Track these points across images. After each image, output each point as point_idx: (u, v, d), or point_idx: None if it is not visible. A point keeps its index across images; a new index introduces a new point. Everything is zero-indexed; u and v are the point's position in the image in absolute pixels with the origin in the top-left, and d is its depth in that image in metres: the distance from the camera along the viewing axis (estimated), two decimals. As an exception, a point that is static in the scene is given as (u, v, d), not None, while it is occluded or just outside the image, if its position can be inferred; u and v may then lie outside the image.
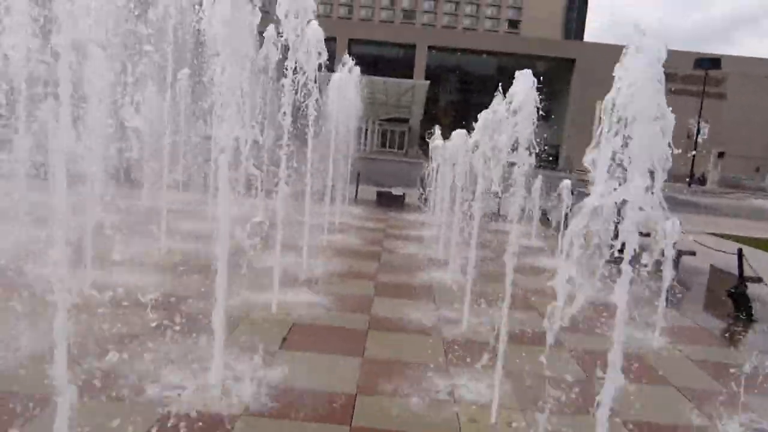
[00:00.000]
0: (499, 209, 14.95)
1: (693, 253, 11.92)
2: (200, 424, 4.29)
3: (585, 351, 6.68)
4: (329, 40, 8.30)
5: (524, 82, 4.90)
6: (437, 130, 14.57)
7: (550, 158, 62.38)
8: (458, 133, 10.03)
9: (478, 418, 4.93)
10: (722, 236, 17.78)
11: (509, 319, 5.01)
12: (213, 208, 11.46)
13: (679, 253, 10.77)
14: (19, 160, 9.33)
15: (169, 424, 4.24)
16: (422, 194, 17.53)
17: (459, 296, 7.88)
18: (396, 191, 20.19)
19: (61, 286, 3.06)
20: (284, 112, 7.35)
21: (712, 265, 10.72)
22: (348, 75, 13.89)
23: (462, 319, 7.40)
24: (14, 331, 5.02)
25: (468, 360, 6.00)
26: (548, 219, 16.01)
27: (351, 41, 68.10)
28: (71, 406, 3.29)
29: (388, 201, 19.53)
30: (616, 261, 3.34)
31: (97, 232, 8.08)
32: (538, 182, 14.08)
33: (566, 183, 13.33)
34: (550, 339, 3.38)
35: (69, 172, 3.18)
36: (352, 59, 14.87)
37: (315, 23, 7.48)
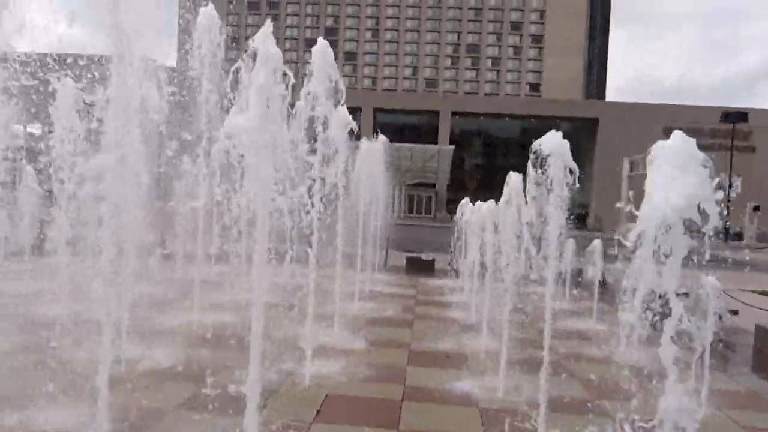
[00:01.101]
0: (530, 271, 14.76)
1: (736, 312, 11.53)
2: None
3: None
4: (355, 110, 8.58)
5: (554, 142, 4.94)
6: (467, 200, 14.76)
7: (579, 218, 61.92)
8: (487, 205, 10.09)
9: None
10: (765, 294, 17.20)
11: (547, 385, 4.86)
12: (246, 278, 11.56)
13: (722, 313, 10.42)
14: (59, 233, 9.63)
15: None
16: (452, 259, 17.46)
17: (494, 363, 7.70)
18: (425, 257, 20.13)
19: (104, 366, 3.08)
20: (314, 180, 7.51)
21: (758, 325, 10.33)
22: (375, 144, 14.19)
23: (498, 386, 7.20)
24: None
25: (506, 430, 5.80)
26: (581, 280, 15.73)
27: (376, 110, 69.86)
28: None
29: (417, 266, 19.45)
30: (654, 324, 3.25)
31: (133, 304, 8.20)
32: (569, 243, 13.94)
33: (597, 243, 13.16)
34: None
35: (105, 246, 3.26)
36: (378, 130, 15.30)
37: (343, 109, 7.75)
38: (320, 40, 7.75)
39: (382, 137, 15.50)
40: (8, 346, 7.37)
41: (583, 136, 71.11)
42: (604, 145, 69.80)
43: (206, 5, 10.84)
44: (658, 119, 63.55)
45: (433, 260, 19.91)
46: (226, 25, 11.68)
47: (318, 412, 6.29)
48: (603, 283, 13.56)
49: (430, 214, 69.12)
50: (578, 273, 15.80)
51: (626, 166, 54.43)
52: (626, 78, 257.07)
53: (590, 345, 10.26)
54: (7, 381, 5.48)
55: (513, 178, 6.93)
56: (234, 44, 11.42)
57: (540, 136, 5.21)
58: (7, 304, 8.74)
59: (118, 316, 7.24)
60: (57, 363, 7.13)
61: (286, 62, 5.93)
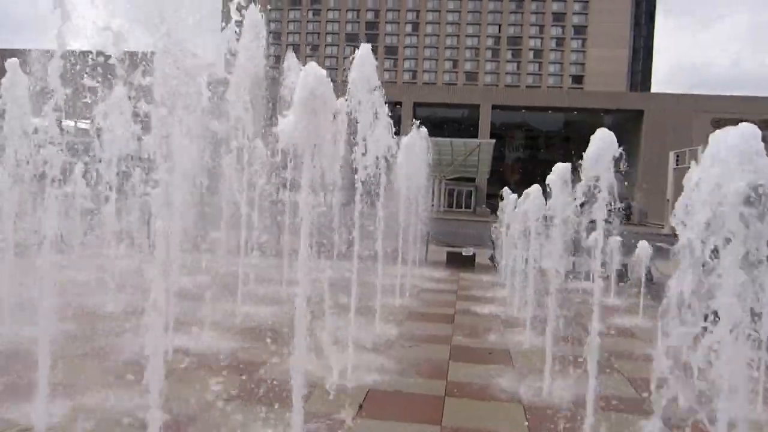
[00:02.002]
0: (574, 267, 14.51)
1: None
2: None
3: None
4: (395, 104, 8.60)
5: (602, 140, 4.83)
6: (507, 190, 14.53)
7: (623, 212, 60.53)
8: (533, 191, 9.80)
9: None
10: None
11: (592, 383, 4.77)
12: (287, 271, 11.69)
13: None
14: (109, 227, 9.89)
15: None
16: (494, 254, 17.28)
17: (538, 360, 7.59)
18: (466, 251, 19.98)
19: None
20: (357, 178, 7.57)
21: None
22: (415, 138, 14.14)
23: (543, 384, 7.10)
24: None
25: (551, 427, 5.71)
26: (627, 276, 15.38)
27: (416, 104, 69.58)
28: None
29: (458, 261, 19.33)
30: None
31: (180, 297, 8.38)
32: (614, 238, 13.63)
33: (643, 244, 12.86)
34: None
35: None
36: (419, 122, 15.20)
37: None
38: (363, 46, 7.87)
39: (422, 130, 15.42)
40: (62, 335, 7.62)
41: (627, 128, 69.41)
42: (649, 138, 67.94)
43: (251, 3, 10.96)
44: (707, 110, 61.61)
45: (474, 255, 19.76)
46: (268, 21, 11.79)
47: (360, 407, 6.31)
48: (650, 280, 13.24)
49: (470, 208, 68.57)
50: (624, 269, 15.46)
51: (672, 158, 52.92)
52: (673, 68, 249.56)
53: (636, 342, 10.03)
54: (61, 369, 5.66)
55: (560, 168, 6.81)
56: (275, 39, 11.51)
57: (583, 129, 5.10)
58: (64, 294, 9.03)
59: (169, 307, 7.41)
60: (107, 352, 7.35)
61: (327, 57, 5.96)
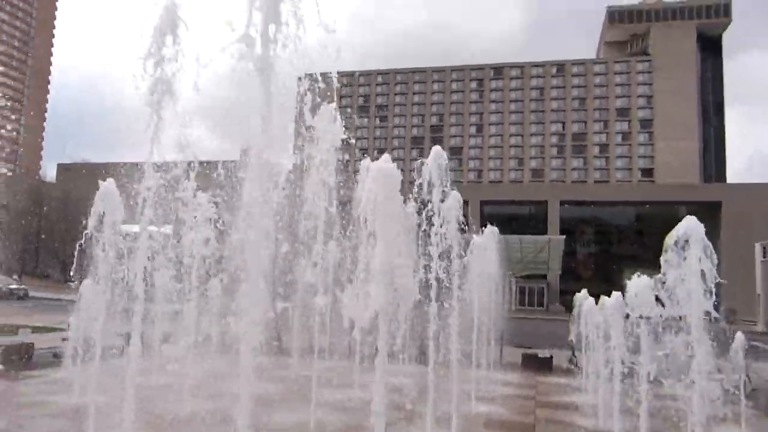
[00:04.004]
0: (662, 371, 13.56)
1: None
2: None
3: None
4: (463, 203, 8.68)
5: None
6: (584, 293, 14.12)
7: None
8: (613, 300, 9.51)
9: None
10: None
11: None
12: (360, 375, 11.46)
13: None
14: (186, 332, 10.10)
15: None
16: (573, 356, 16.49)
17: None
18: (542, 353, 19.14)
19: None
20: (430, 279, 7.51)
21: None
22: (487, 237, 14.06)
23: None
24: None
25: None
26: (723, 379, 14.21)
27: (483, 202, 69.86)
28: None
29: (534, 364, 18.48)
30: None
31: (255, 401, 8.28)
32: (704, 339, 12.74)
33: (740, 337, 11.93)
34: None
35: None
36: (487, 221, 15.18)
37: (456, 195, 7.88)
38: (435, 149, 8.12)
39: (492, 229, 15.33)
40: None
41: (704, 221, 66.67)
42: (730, 230, 65.03)
43: (327, 103, 11.48)
44: (791, 199, 58.91)
45: (551, 357, 18.87)
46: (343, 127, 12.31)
47: None
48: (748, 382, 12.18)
49: (543, 306, 66.51)
50: (718, 371, 14.31)
51: (759, 250, 50.22)
52: (748, 158, 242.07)
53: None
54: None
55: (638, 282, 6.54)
56: (346, 145, 11.96)
57: (657, 222, 4.91)
58: (139, 398, 9.12)
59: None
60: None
61: (394, 159, 6.13)
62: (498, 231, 16.36)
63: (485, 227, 15.12)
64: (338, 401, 11.30)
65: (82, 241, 8.54)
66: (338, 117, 11.27)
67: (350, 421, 9.16)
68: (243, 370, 5.23)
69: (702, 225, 4.78)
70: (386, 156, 5.05)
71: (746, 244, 53.27)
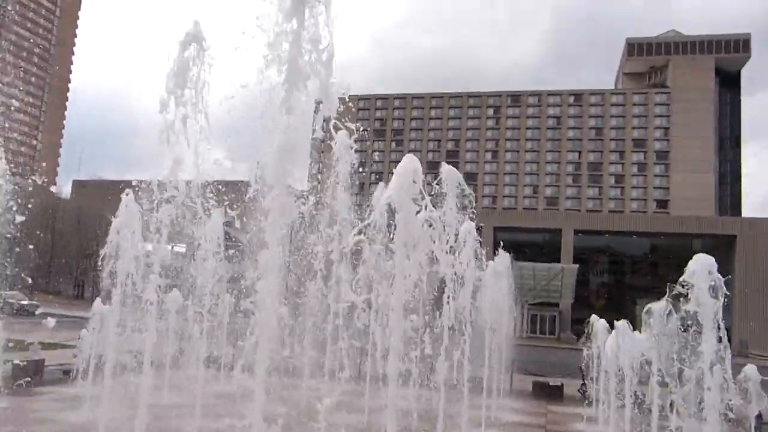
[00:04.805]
0: (671, 403, 13.42)
1: None
2: None
3: None
4: (477, 229, 8.76)
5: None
6: (595, 317, 14.05)
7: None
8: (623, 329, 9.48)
9: None
10: None
11: None
12: (369, 399, 11.46)
13: None
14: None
15: None
16: (584, 385, 16.37)
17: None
18: (553, 381, 19.00)
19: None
20: (440, 304, 7.59)
21: None
22: (500, 262, 14.12)
23: None
24: None
25: None
26: (732, 415, 13.99)
27: (496, 229, 69.71)
28: None
29: (545, 392, 18.35)
30: None
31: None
32: (717, 371, 12.60)
33: (752, 369, 11.76)
34: None
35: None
36: (500, 247, 15.23)
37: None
38: (447, 167, 8.20)
39: (505, 255, 15.38)
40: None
41: (718, 254, 66.10)
42: (744, 263, 64.30)
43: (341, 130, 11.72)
44: (807, 235, 58.24)
45: (562, 385, 18.73)
46: (354, 151, 12.52)
47: None
48: (759, 417, 12.01)
49: (554, 334, 65.88)
50: (726, 406, 14.10)
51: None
52: (765, 193, 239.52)
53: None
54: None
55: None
56: (361, 170, 12.15)
57: (671, 254, 4.97)
58: (155, 416, 9.22)
59: None
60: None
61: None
62: (511, 257, 16.40)
63: (496, 252, 15.18)
64: (348, 425, 11.29)
65: (101, 258, 8.70)
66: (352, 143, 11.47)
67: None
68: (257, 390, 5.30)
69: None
70: (410, 156, 5.18)
71: (761, 277, 52.64)
